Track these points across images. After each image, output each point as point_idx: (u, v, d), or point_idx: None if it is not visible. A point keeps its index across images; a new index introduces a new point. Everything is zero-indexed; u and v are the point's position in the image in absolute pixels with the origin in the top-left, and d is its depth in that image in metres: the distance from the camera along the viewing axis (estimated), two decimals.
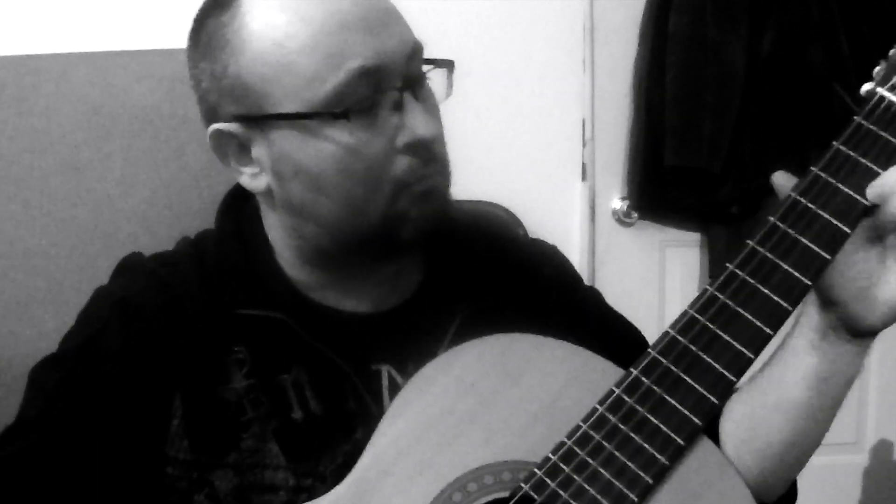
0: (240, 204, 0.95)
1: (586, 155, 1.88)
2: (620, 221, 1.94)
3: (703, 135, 1.80)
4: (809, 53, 1.81)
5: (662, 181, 1.86)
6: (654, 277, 1.96)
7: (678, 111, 1.81)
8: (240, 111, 0.85)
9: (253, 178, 0.88)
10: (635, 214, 1.93)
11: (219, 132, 0.87)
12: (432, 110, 0.87)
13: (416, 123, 0.83)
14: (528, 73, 1.82)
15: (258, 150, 0.86)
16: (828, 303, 0.80)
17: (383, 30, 0.82)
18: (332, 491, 0.76)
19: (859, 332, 0.80)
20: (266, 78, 0.82)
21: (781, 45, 1.83)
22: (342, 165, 0.83)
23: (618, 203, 1.93)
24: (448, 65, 0.89)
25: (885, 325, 0.79)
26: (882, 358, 2.09)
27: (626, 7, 1.89)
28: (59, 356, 0.89)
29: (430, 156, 0.85)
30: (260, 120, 0.84)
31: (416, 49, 0.85)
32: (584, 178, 1.88)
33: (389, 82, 0.83)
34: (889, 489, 2.14)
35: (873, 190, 0.75)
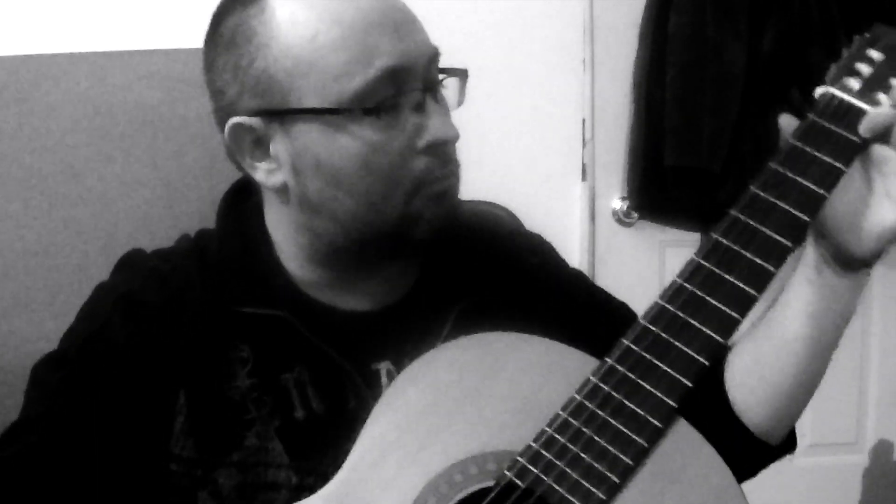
0: (241, 202, 0.96)
1: (586, 155, 1.88)
2: (620, 221, 1.94)
3: (703, 135, 1.80)
4: (809, 53, 1.81)
5: (662, 181, 1.86)
6: (654, 277, 1.96)
7: (678, 111, 1.81)
8: (262, 105, 0.85)
9: (269, 174, 0.88)
10: (635, 214, 1.93)
11: (238, 126, 0.87)
12: (448, 115, 0.89)
13: (437, 125, 0.85)
14: (528, 73, 1.82)
15: (277, 146, 0.87)
16: (819, 235, 0.85)
17: (407, 33, 0.85)
18: (323, 488, 0.77)
19: (850, 264, 0.84)
20: (293, 72, 0.83)
21: (781, 45, 1.83)
22: (364, 161, 0.84)
23: (618, 203, 1.93)
24: (462, 73, 0.91)
25: (873, 255, 0.84)
26: (882, 358, 2.10)
27: (626, 7, 1.89)
28: (61, 354, 0.89)
29: (448, 157, 0.87)
30: (283, 114, 0.85)
31: (435, 54, 0.87)
32: (584, 178, 1.88)
33: (412, 83, 0.84)
34: (889, 489, 2.14)
35: (865, 125, 0.80)
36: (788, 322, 0.87)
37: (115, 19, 1.48)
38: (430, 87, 0.86)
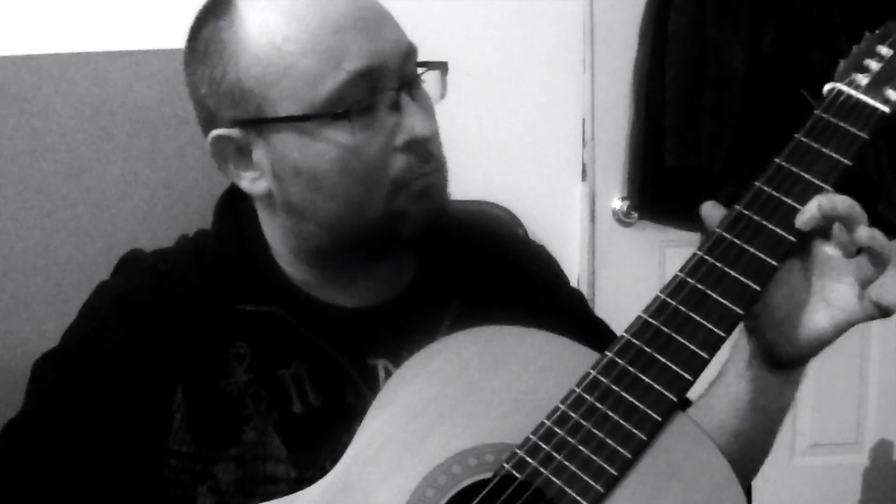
0: (237, 202, 0.96)
1: (586, 155, 1.88)
2: (620, 221, 1.94)
3: (703, 135, 1.80)
4: (809, 53, 1.81)
5: (662, 181, 1.86)
6: (654, 277, 1.96)
7: (678, 111, 1.81)
8: (239, 115, 0.86)
9: (253, 183, 0.89)
10: (635, 214, 1.93)
11: (219, 137, 0.87)
12: (428, 110, 0.88)
13: (413, 123, 0.85)
14: (528, 73, 1.82)
15: (258, 154, 0.87)
16: (752, 329, 0.83)
17: (378, 32, 0.84)
18: (321, 480, 0.77)
19: (780, 362, 0.82)
20: (265, 81, 0.83)
21: (781, 45, 1.83)
22: (342, 165, 0.84)
23: (618, 203, 1.93)
24: (441, 66, 0.90)
25: (804, 356, 0.82)
26: (882, 358, 2.10)
27: (626, 7, 1.89)
28: (60, 351, 0.90)
29: (428, 154, 0.87)
30: (259, 123, 0.85)
31: (410, 50, 0.87)
32: (584, 178, 1.88)
33: (386, 83, 0.84)
34: (889, 489, 2.14)
35: (801, 217, 0.78)
36: (719, 412, 0.86)
37: (115, 19, 1.48)
38: (406, 84, 0.86)
